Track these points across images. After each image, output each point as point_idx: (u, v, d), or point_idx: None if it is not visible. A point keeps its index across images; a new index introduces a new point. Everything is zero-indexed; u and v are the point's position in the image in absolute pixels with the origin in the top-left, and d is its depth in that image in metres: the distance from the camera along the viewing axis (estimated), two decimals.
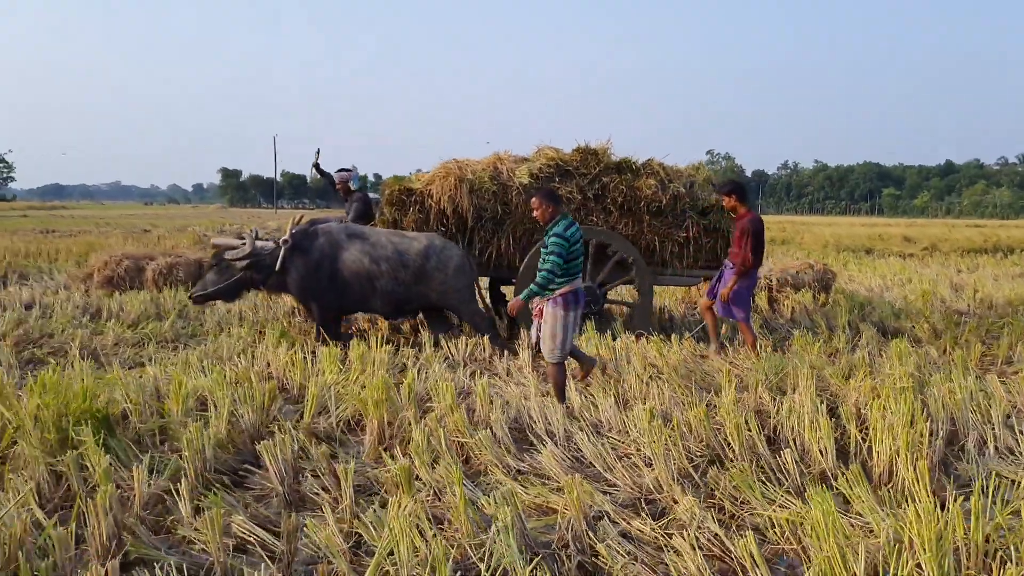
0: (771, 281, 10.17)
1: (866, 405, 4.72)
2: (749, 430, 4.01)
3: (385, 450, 4.12)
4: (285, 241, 6.75)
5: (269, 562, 2.90)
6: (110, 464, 3.32)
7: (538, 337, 4.98)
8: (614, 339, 6.61)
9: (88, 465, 3.47)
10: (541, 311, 4.96)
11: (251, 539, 3.05)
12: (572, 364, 5.37)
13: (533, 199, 5.02)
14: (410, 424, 4.22)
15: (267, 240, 7.00)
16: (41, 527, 2.97)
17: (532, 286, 4.85)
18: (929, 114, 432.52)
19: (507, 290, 8.67)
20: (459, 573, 2.75)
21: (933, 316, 8.17)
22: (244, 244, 6.76)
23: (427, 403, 4.89)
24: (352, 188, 8.30)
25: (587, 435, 4.06)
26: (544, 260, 4.80)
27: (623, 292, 9.78)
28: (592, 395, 4.91)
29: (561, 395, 4.89)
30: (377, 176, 67.78)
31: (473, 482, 3.69)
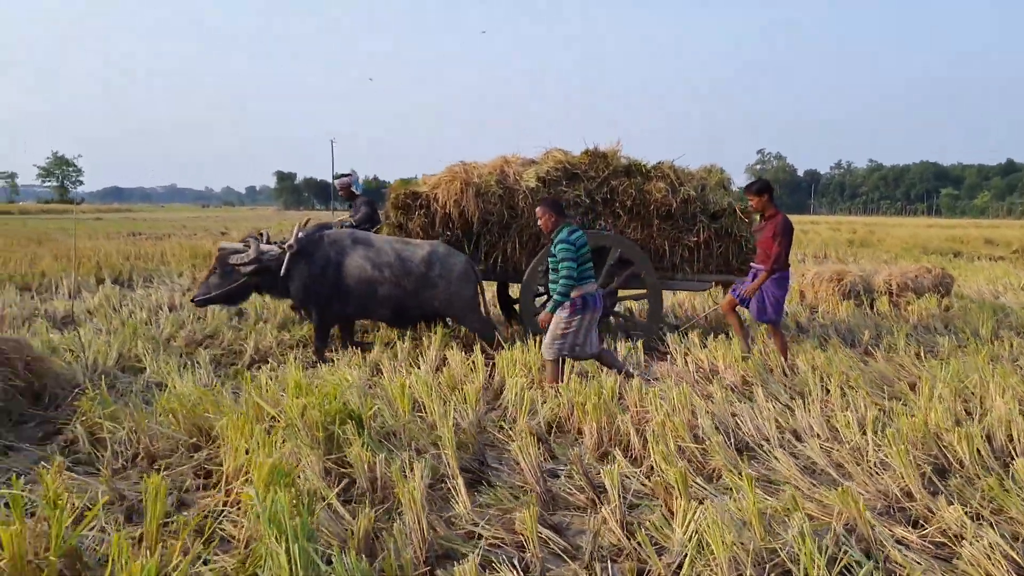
0: (891, 285, 10.09)
1: None
2: (971, 440, 4.04)
3: (604, 454, 4.25)
4: (290, 247, 6.65)
5: (568, 559, 3.05)
6: (392, 463, 3.50)
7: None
8: (764, 347, 6.65)
9: (350, 462, 3.68)
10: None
11: (536, 536, 3.20)
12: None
13: (537, 208, 5.47)
14: (627, 429, 4.34)
15: (272, 245, 6.84)
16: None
17: (556, 296, 5.26)
18: (989, 111, 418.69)
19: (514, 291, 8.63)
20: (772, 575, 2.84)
21: None
22: (249, 249, 6.66)
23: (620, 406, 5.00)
24: (356, 192, 8.43)
25: (820, 442, 4.13)
26: (560, 269, 5.22)
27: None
28: (784, 402, 4.97)
29: (554, 384, 5.25)
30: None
31: (711, 486, 3.79)
